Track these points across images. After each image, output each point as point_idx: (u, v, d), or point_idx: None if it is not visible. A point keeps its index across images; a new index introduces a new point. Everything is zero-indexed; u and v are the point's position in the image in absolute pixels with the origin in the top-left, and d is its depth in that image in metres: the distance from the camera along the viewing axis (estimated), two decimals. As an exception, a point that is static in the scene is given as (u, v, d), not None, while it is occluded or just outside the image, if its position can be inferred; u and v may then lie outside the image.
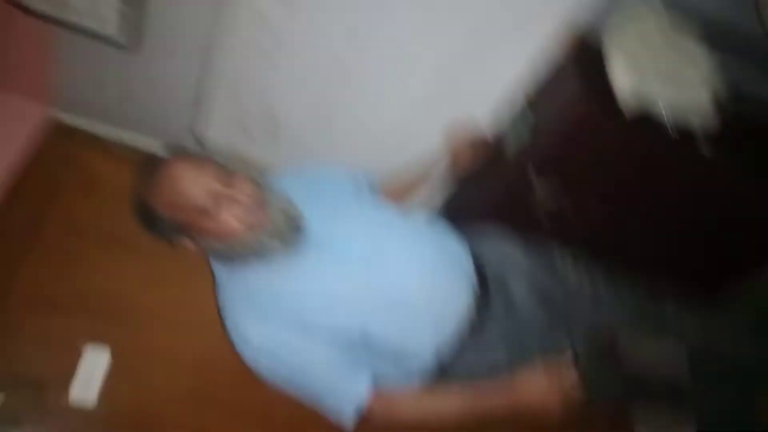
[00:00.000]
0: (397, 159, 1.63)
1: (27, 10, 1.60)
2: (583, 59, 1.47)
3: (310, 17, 1.58)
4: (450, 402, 1.20)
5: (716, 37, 1.43)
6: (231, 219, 1.09)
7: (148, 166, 1.14)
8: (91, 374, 1.57)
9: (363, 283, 1.17)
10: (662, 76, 1.33)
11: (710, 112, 1.37)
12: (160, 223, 1.13)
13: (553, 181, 1.54)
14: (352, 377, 1.16)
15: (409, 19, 1.56)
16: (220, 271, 1.21)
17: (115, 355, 1.62)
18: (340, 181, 1.40)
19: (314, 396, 1.16)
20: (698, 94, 1.34)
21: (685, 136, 1.37)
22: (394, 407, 1.18)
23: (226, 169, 1.13)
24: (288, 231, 1.14)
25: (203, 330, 1.37)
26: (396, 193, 1.57)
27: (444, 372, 1.25)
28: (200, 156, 1.16)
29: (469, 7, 1.52)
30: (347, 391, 1.15)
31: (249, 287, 1.16)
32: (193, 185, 1.08)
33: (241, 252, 1.14)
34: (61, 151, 1.93)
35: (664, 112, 1.31)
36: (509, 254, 1.43)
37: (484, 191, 1.75)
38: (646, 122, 1.35)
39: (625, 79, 1.33)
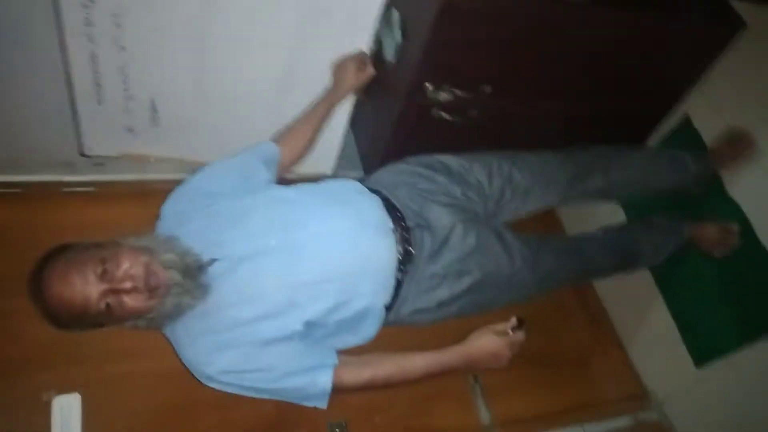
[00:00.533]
0: (284, 111, 1.57)
1: None
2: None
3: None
4: (413, 363, 1.25)
5: None
6: (132, 304, 1.10)
7: (33, 281, 1.13)
8: (67, 423, 1.53)
9: (285, 280, 1.20)
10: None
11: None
12: (76, 326, 1.15)
13: (441, 76, 1.51)
14: (315, 364, 1.20)
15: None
16: (163, 331, 1.23)
17: (85, 396, 1.58)
18: (226, 180, 1.38)
19: (288, 396, 1.22)
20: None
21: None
22: (362, 376, 1.23)
23: (106, 252, 1.12)
24: (191, 280, 1.15)
25: (162, 343, 1.33)
26: (296, 139, 1.53)
27: (396, 317, 1.32)
28: (76, 250, 1.14)
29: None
30: (315, 381, 1.19)
31: (191, 334, 1.18)
32: (83, 295, 1.07)
33: (161, 318, 1.16)
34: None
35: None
36: (422, 189, 1.46)
37: (385, 110, 1.71)
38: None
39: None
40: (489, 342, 1.24)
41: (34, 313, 1.19)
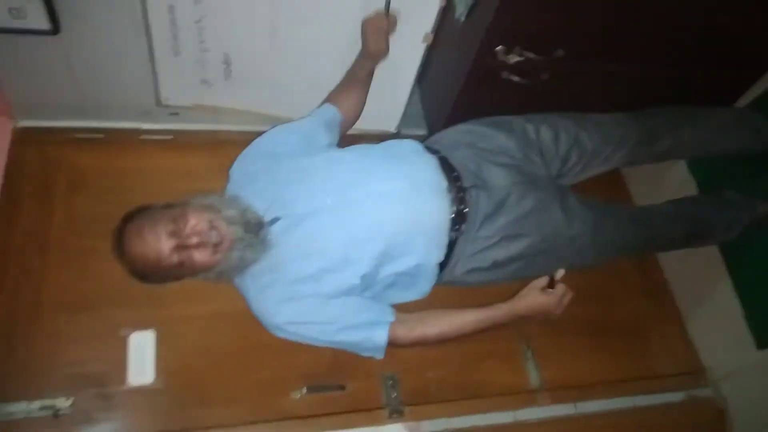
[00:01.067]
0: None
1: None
2: None
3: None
4: (464, 319, 1.29)
5: None
6: (200, 258, 1.20)
7: (116, 240, 1.25)
8: (142, 356, 1.66)
9: (341, 236, 1.25)
10: None
11: None
12: (156, 279, 1.24)
13: (513, 38, 1.48)
14: (373, 320, 1.26)
15: None
16: (234, 283, 1.32)
17: (158, 332, 1.70)
18: (289, 142, 1.44)
19: (345, 347, 1.29)
20: None
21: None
22: (414, 332, 1.28)
23: (175, 211, 1.22)
24: (253, 235, 1.23)
25: (232, 289, 1.41)
26: (352, 99, 1.57)
27: (450, 276, 1.35)
28: (150, 211, 1.25)
29: None
30: (372, 336, 1.26)
31: (259, 286, 1.26)
32: (156, 250, 1.17)
33: (229, 271, 1.25)
34: (39, 155, 1.92)
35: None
36: (482, 149, 1.46)
37: (454, 70, 1.69)
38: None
39: None
40: (537, 299, 1.28)
41: (108, 253, 1.31)
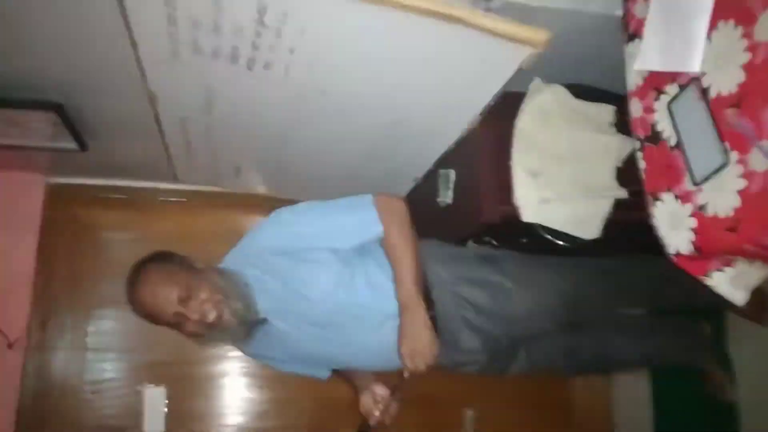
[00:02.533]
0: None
1: None
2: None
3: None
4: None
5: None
6: (192, 329, 1.29)
7: (129, 278, 1.32)
8: (155, 409, 2.08)
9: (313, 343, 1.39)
10: (560, 193, 1.36)
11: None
12: (149, 320, 1.33)
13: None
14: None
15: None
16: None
17: (170, 390, 2.10)
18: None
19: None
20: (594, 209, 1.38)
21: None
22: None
23: (193, 279, 1.29)
24: (243, 329, 1.33)
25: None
26: None
27: None
28: (168, 264, 1.32)
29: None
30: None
31: None
32: (161, 308, 1.27)
33: (214, 340, 1.37)
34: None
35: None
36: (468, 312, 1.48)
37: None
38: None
39: (525, 197, 1.38)
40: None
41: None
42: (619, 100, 1.33)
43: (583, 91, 1.46)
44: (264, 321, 1.38)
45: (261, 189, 2.18)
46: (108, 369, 2.13)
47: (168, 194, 2.28)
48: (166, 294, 1.26)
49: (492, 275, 1.46)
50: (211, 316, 1.28)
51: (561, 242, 1.48)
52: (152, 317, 1.29)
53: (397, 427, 2.21)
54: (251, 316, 1.35)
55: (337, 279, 1.34)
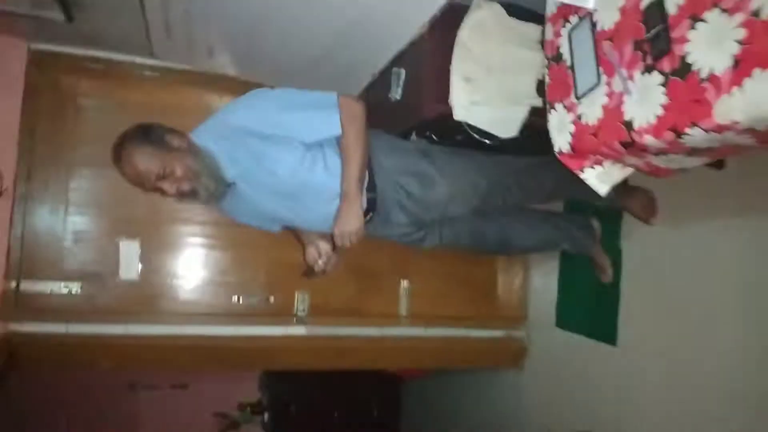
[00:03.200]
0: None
1: None
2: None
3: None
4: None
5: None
6: (172, 189, 1.54)
7: (114, 151, 1.54)
8: (129, 258, 2.38)
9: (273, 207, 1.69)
10: (488, 98, 1.63)
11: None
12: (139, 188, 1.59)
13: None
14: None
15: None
16: None
17: (142, 243, 2.40)
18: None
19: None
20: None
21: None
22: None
23: (168, 159, 1.52)
24: (214, 194, 1.60)
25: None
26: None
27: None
28: (147, 145, 1.52)
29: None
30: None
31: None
32: (143, 178, 1.52)
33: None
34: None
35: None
36: (403, 199, 1.81)
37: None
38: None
39: (458, 99, 1.64)
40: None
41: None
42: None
43: (516, 11, 1.69)
44: (232, 185, 1.63)
45: (231, 71, 2.37)
46: (87, 222, 2.39)
47: (144, 69, 2.45)
48: (145, 173, 1.51)
49: (425, 167, 1.76)
50: (185, 188, 1.54)
51: (486, 140, 1.78)
52: (137, 186, 1.55)
53: (340, 291, 2.62)
54: (219, 188, 1.60)
55: (301, 160, 1.60)
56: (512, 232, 2.08)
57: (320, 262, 1.70)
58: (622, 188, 1.96)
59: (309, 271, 1.72)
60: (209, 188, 1.57)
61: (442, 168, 1.76)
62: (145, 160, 1.51)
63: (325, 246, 1.71)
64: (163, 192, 1.54)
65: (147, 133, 1.55)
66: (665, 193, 2.03)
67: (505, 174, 1.83)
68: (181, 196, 1.55)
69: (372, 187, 1.70)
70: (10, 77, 2.30)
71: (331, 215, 1.65)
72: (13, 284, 2.30)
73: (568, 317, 2.62)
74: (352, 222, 1.62)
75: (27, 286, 2.31)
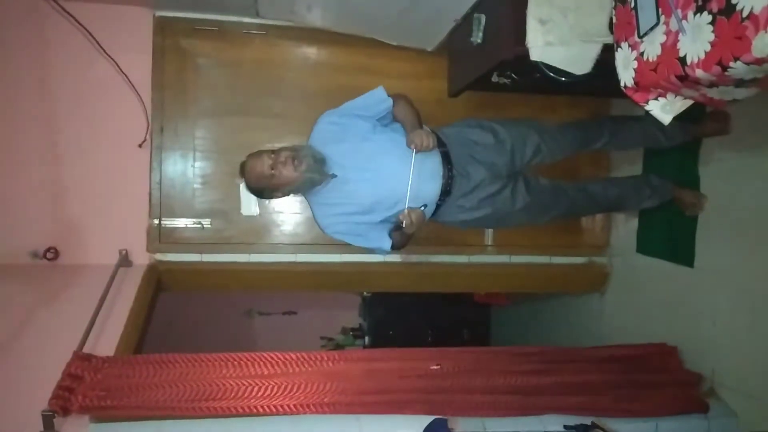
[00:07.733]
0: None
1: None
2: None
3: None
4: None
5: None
6: (285, 172, 1.98)
7: (242, 166, 2.05)
8: (248, 197, 2.74)
9: (368, 186, 2.06)
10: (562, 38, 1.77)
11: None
12: (260, 193, 2.09)
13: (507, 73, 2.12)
14: (382, 238, 2.16)
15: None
16: (306, 197, 2.18)
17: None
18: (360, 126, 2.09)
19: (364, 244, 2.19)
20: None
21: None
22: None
23: (276, 156, 1.98)
24: (317, 171, 2.01)
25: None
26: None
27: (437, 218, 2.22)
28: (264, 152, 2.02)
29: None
30: (382, 246, 2.15)
31: (318, 202, 2.14)
32: (261, 168, 1.99)
33: (301, 186, 2.07)
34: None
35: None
36: (472, 149, 2.13)
37: (471, 66, 2.32)
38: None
39: (534, 41, 1.80)
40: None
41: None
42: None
43: (590, -45, 1.80)
44: (333, 175, 2.02)
45: (326, 24, 2.61)
46: (212, 166, 2.77)
47: (251, 27, 2.74)
48: (261, 163, 1.99)
49: (483, 121, 2.17)
50: (290, 161, 1.94)
51: (561, 78, 1.93)
52: (260, 179, 2.00)
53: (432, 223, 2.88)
54: (320, 170, 1.98)
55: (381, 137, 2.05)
56: (594, 188, 2.44)
57: (405, 220, 1.95)
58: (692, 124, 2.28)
59: (398, 228, 2.03)
60: (310, 164, 1.99)
61: (499, 121, 2.17)
62: (262, 158, 2.00)
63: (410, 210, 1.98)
64: (274, 173, 1.98)
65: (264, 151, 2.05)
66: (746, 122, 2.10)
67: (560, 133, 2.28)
68: (288, 172, 1.97)
69: (441, 144, 2.06)
70: (139, 41, 2.68)
71: (407, 171, 1.97)
72: (156, 222, 2.73)
73: (648, 243, 2.75)
74: (420, 133, 1.95)
75: (167, 223, 2.75)
